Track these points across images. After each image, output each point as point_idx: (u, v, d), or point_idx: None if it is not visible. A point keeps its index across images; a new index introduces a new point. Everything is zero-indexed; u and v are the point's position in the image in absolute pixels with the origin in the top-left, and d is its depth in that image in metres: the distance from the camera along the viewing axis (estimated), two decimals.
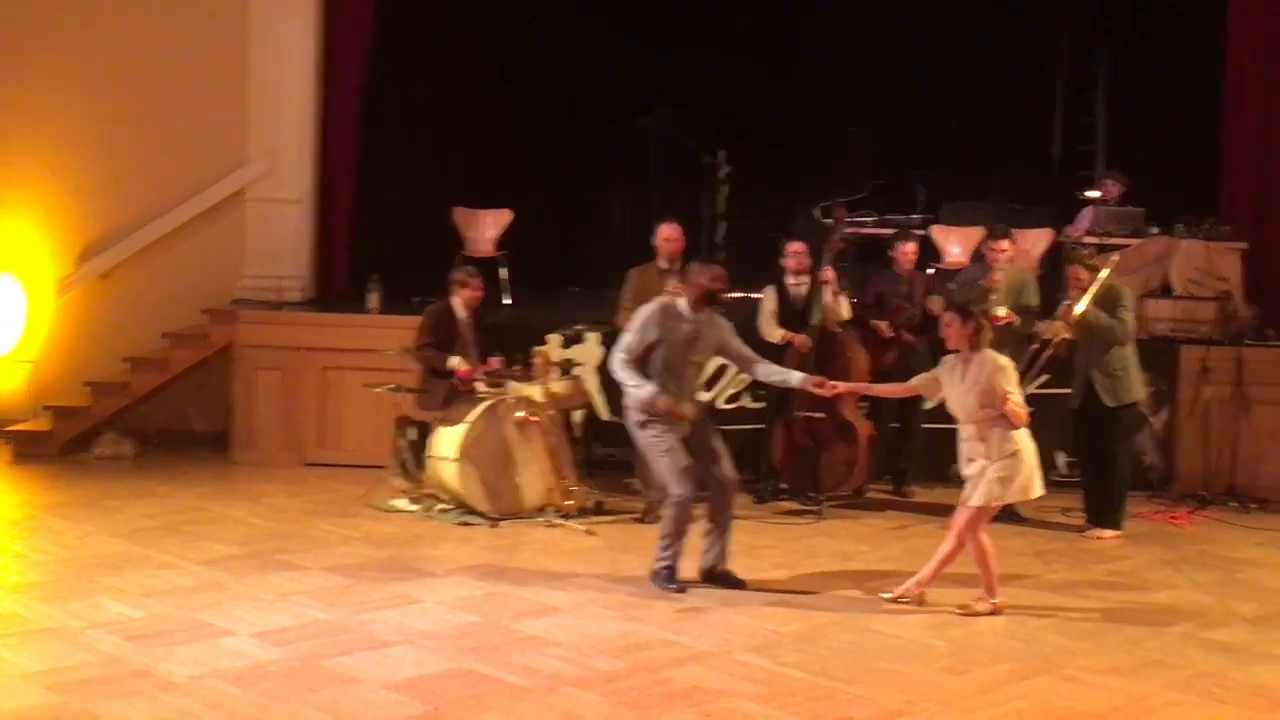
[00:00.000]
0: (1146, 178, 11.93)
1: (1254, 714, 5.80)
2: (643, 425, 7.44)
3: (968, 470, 7.16)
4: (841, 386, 7.84)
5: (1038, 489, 7.21)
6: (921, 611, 7.11)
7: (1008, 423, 7.04)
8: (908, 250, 9.84)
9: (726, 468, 7.51)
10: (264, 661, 6.06)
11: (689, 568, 7.50)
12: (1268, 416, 10.07)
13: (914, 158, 12.69)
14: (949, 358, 7.32)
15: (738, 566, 7.59)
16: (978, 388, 7.08)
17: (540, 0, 13.21)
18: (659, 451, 7.41)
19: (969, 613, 7.07)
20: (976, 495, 7.08)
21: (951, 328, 7.24)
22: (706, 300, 7.46)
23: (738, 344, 7.68)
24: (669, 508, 7.38)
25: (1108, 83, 13.86)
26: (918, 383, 7.59)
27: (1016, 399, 7.07)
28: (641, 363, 7.43)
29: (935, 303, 9.66)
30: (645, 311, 7.56)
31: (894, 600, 7.21)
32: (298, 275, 11.32)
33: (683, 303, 7.50)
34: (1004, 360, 7.17)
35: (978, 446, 7.12)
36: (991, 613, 7.06)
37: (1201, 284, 10.67)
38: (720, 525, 7.52)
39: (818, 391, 7.68)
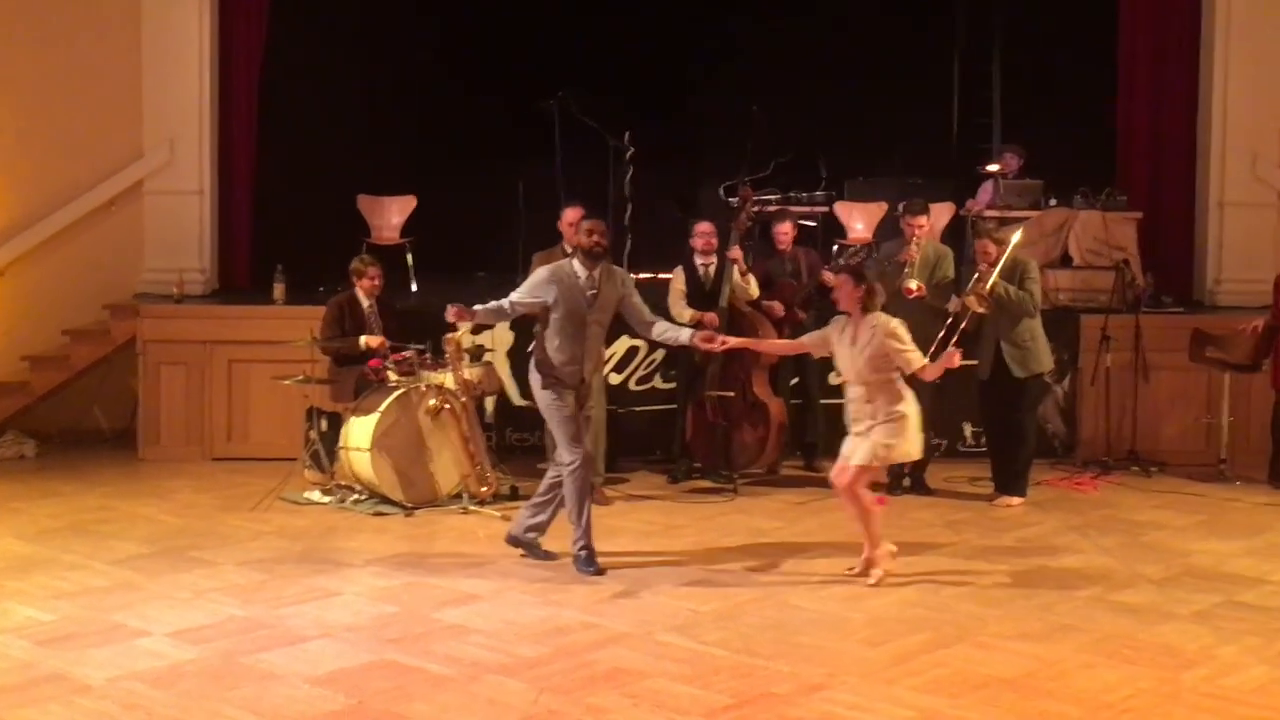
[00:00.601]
0: (1044, 150, 12.11)
1: (1163, 672, 5.95)
2: (544, 386, 7.46)
3: (855, 430, 7.30)
4: (733, 341, 7.86)
5: (917, 451, 7.48)
6: (838, 584, 7.20)
7: (894, 387, 7.19)
8: (784, 230, 9.97)
9: (589, 442, 7.56)
10: (182, 661, 5.99)
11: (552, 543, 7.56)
12: (1166, 382, 10.31)
13: (815, 134, 12.76)
14: (839, 318, 7.45)
15: (655, 546, 7.63)
16: (868, 350, 7.22)
17: None
18: (557, 416, 7.43)
19: (862, 572, 7.25)
20: (859, 454, 7.22)
21: (843, 290, 7.34)
22: (591, 256, 7.45)
23: (637, 301, 7.63)
24: (567, 479, 7.37)
25: (1003, 55, 14.02)
26: (807, 340, 7.80)
27: (916, 355, 7.23)
28: (544, 327, 7.45)
29: (829, 275, 9.82)
30: (539, 273, 7.60)
31: (859, 575, 7.30)
32: (200, 268, 11.16)
33: (577, 263, 7.49)
34: (895, 322, 7.30)
35: (864, 408, 7.27)
36: (869, 569, 7.24)
37: (1099, 254, 10.90)
38: (556, 499, 7.52)
39: (707, 347, 7.70)
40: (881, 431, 7.19)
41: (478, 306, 7.45)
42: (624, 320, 7.74)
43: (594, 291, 7.45)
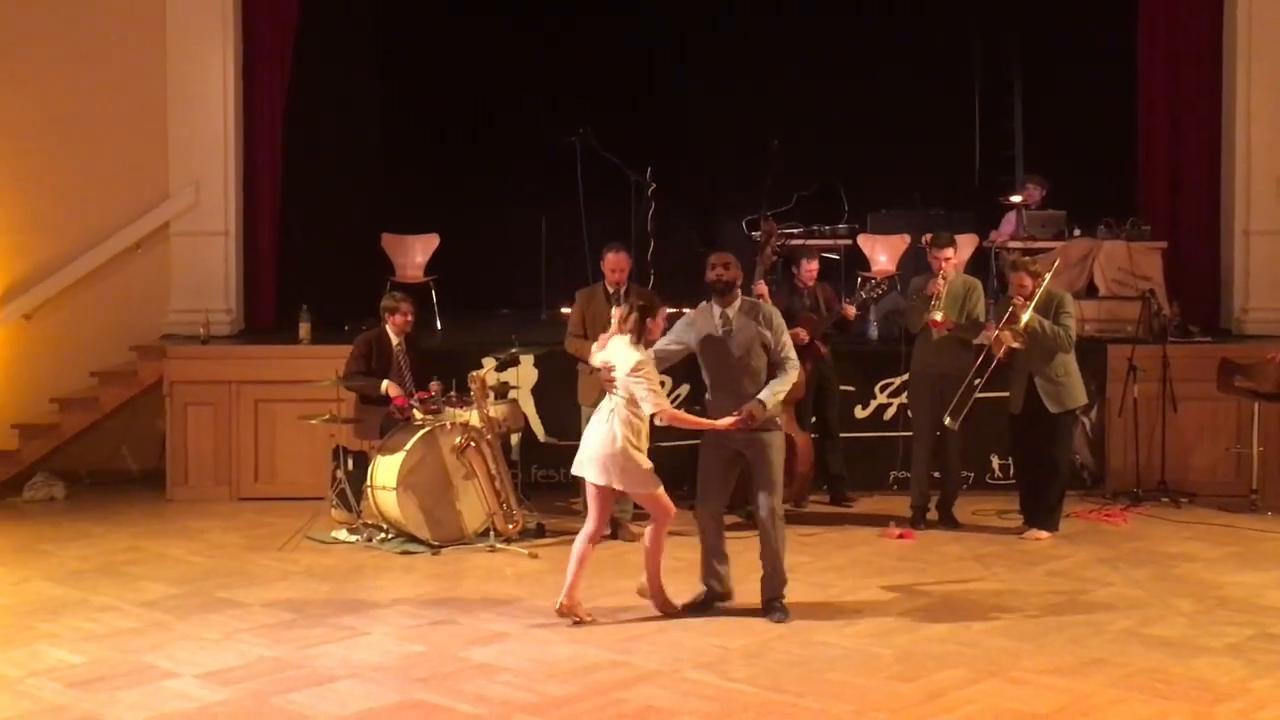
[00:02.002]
0: (1066, 180, 12.12)
1: (1196, 707, 5.90)
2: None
3: None
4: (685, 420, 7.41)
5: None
6: (867, 620, 7.16)
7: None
8: (812, 268, 9.98)
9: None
10: (211, 703, 5.99)
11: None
12: (1195, 412, 10.25)
13: (836, 167, 12.80)
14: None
15: (682, 582, 7.61)
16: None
17: (460, 25, 13.18)
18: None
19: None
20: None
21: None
22: (718, 291, 7.28)
23: (779, 342, 7.24)
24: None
25: (1023, 85, 14.05)
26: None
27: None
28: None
29: (850, 309, 9.84)
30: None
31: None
32: (226, 308, 11.21)
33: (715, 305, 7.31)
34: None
35: None
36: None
37: (1125, 284, 10.87)
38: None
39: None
40: None
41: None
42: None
43: (728, 331, 7.24)
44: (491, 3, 13.15)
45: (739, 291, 7.36)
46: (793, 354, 7.31)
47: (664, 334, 7.34)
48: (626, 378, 7.06)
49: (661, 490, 7.20)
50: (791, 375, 7.27)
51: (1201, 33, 11.76)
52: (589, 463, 7.15)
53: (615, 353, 7.15)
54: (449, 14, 13.13)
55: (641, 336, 7.16)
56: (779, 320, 7.31)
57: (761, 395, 7.12)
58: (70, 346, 11.01)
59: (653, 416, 7.16)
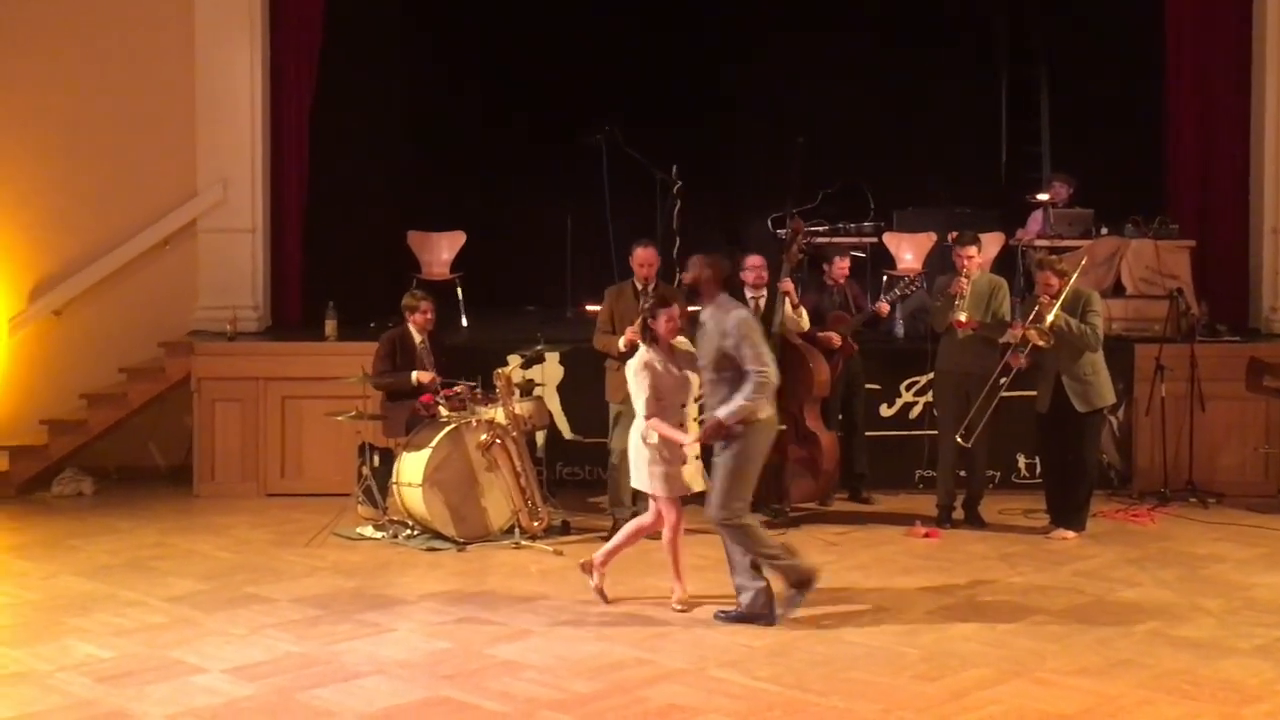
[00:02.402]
0: (1093, 178, 12.06)
1: (1224, 709, 5.87)
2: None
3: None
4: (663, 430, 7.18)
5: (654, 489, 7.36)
6: (892, 619, 7.15)
7: None
8: (843, 266, 10.03)
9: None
10: (239, 698, 6.02)
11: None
12: (1223, 411, 10.20)
13: (862, 165, 12.77)
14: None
15: (706, 580, 7.61)
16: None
17: (486, 22, 13.20)
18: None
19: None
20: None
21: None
22: (693, 294, 7.26)
23: (739, 355, 6.98)
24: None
25: (1050, 83, 13.99)
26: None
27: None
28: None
29: (884, 306, 9.83)
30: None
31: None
32: (253, 305, 11.27)
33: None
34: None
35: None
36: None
37: (1152, 283, 10.82)
38: None
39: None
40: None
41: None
42: None
43: (702, 331, 7.21)
44: (518, 1, 13.16)
45: (715, 294, 7.13)
46: (760, 365, 6.95)
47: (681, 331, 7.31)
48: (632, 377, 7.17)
49: (668, 495, 7.20)
50: (751, 389, 6.90)
51: (1230, 30, 11.69)
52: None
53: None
54: (475, 11, 13.16)
55: (648, 335, 7.17)
56: (745, 328, 6.99)
57: (719, 412, 7.01)
58: (99, 342, 11.08)
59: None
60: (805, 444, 9.34)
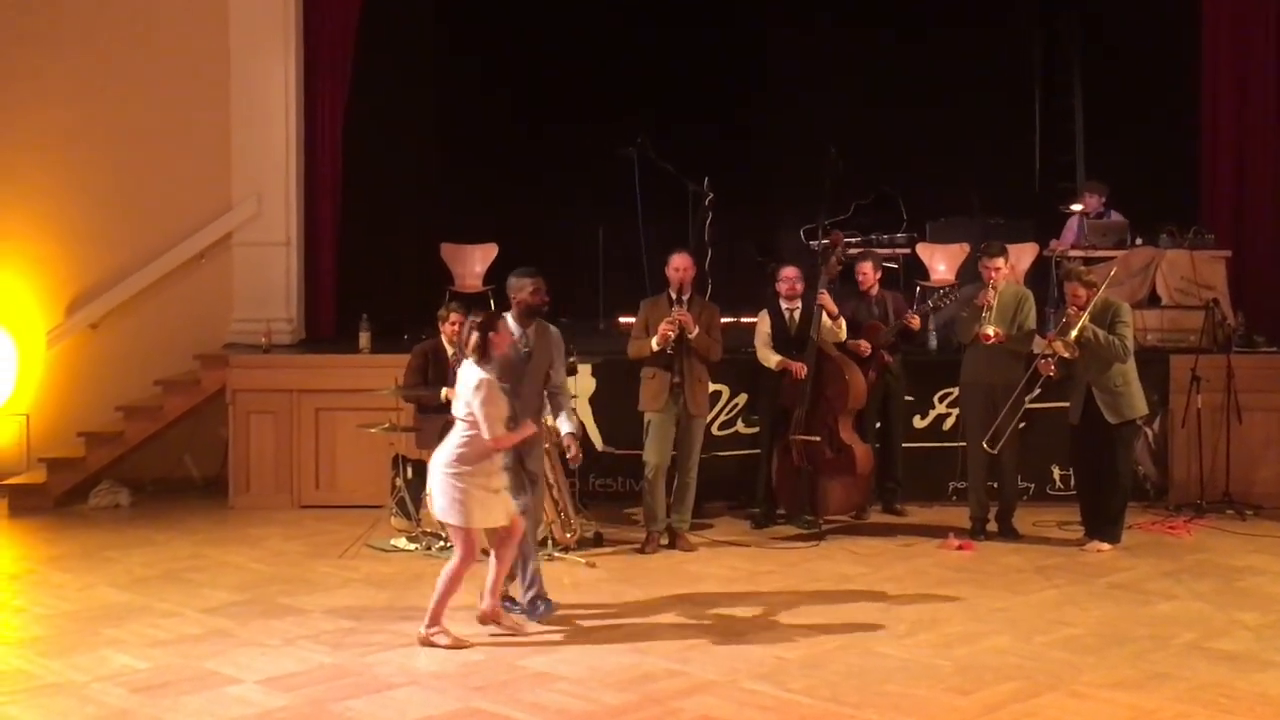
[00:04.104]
0: (1127, 187, 11.99)
1: None
2: None
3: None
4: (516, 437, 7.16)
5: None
6: (926, 631, 7.12)
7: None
8: (865, 270, 9.94)
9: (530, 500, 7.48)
10: (273, 709, 6.05)
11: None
12: (1260, 423, 10.12)
13: (894, 175, 12.75)
14: None
15: (739, 592, 7.59)
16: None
17: (518, 35, 13.26)
18: None
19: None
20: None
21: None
22: (528, 313, 7.46)
23: (559, 376, 7.59)
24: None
25: (1085, 90, 13.93)
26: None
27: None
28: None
29: (915, 319, 9.78)
30: None
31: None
32: (287, 317, 11.34)
33: (511, 320, 7.40)
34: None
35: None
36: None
37: (1188, 293, 10.74)
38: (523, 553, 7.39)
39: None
40: None
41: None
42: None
43: (529, 350, 7.44)
44: (550, 13, 13.21)
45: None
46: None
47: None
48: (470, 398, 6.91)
49: (473, 527, 6.95)
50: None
51: (1267, 38, 11.62)
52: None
53: (463, 375, 7.02)
54: (507, 24, 13.21)
55: (485, 355, 6.97)
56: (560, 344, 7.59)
57: (572, 429, 7.51)
58: (135, 355, 11.18)
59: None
60: (839, 456, 9.31)
